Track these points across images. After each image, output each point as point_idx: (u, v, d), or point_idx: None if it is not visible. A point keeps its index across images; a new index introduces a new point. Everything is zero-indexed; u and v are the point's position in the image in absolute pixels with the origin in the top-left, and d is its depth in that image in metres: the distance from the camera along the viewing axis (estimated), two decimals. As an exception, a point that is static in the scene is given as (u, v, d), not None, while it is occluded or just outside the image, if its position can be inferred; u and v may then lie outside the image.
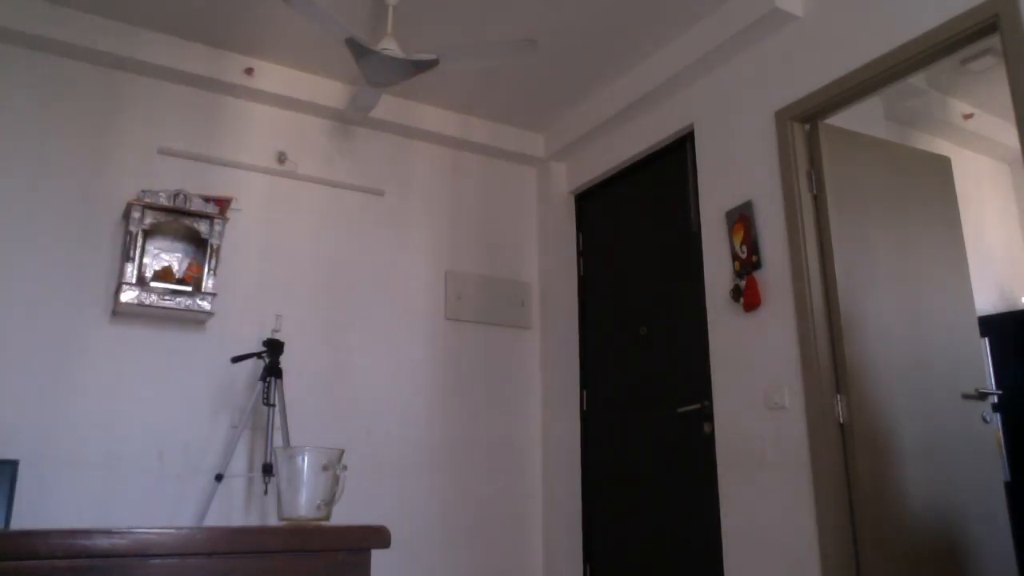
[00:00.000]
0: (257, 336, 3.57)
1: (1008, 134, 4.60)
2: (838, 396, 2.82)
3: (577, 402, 4.19)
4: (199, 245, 3.44)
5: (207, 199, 3.44)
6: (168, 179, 3.53)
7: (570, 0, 3.28)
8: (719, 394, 3.25)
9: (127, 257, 3.22)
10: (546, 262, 4.38)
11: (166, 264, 3.37)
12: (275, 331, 3.50)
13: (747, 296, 3.13)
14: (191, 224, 3.37)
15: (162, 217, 3.31)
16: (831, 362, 2.87)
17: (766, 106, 3.21)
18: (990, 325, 4.13)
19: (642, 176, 4.02)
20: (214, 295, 3.35)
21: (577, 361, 4.25)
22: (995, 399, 3.94)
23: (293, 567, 1.21)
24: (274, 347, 3.34)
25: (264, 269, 3.66)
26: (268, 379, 3.29)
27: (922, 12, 2.67)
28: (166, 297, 3.23)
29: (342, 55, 3.68)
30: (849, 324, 2.87)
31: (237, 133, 3.75)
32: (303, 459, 1.37)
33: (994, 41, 3.19)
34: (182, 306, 3.26)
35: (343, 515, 3.56)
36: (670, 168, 3.82)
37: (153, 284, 3.26)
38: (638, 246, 3.96)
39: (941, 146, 4.49)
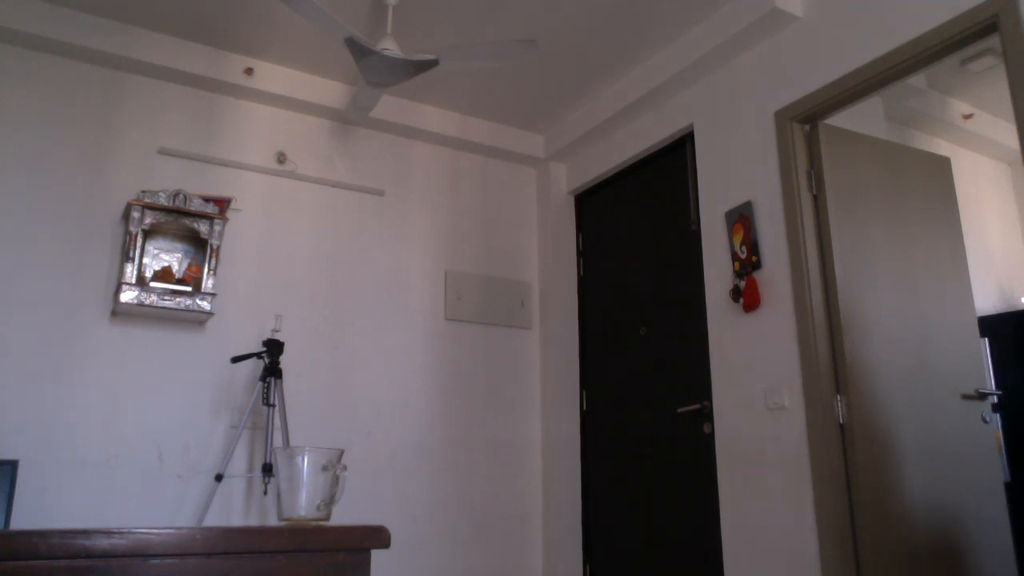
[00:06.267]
0: (257, 336, 3.57)
1: (1008, 134, 4.60)
2: (838, 396, 2.83)
3: (577, 402, 4.19)
4: (199, 245, 3.44)
5: (207, 199, 3.44)
6: (168, 179, 3.53)
7: (570, 0, 3.28)
8: (719, 394, 3.25)
9: (127, 257, 3.22)
10: (546, 262, 4.38)
11: (166, 264, 3.37)
12: (275, 331, 3.50)
13: (747, 296, 3.13)
14: (191, 224, 3.37)
15: (162, 217, 3.31)
16: (831, 362, 2.87)
17: (766, 106, 3.21)
18: (990, 325, 4.13)
19: (642, 176, 4.02)
20: (214, 295, 3.35)
21: (577, 361, 4.26)
22: (995, 399, 3.94)
23: (293, 567, 1.21)
24: (274, 347, 3.34)
25: (264, 269, 3.66)
26: (268, 379, 3.29)
27: (922, 12, 2.67)
28: (166, 297, 3.23)
29: (342, 55, 3.68)
30: (849, 324, 2.87)
31: (237, 133, 3.75)
32: (303, 459, 1.37)
33: (994, 41, 3.19)
34: (182, 306, 3.26)
35: (343, 515, 3.56)
36: (670, 168, 3.82)
37: (153, 284, 3.26)
38: (638, 246, 3.96)
39: (941, 146, 4.49)
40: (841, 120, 3.27)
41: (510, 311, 4.27)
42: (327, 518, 1.38)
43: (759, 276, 3.13)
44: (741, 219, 3.23)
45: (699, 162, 3.53)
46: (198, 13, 3.37)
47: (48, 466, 3.05)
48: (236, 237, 3.62)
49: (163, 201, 3.32)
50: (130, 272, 3.20)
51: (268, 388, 3.29)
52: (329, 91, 3.88)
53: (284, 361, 3.58)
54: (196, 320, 3.42)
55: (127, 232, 3.27)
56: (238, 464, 3.41)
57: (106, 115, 3.47)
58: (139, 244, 3.26)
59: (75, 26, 3.32)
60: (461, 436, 3.96)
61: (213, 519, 3.30)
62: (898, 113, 4.16)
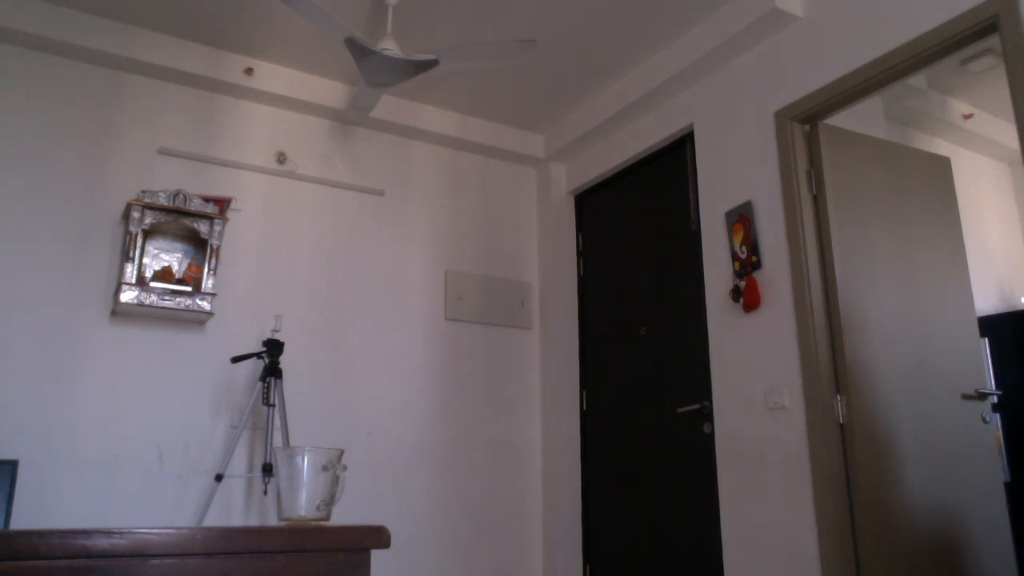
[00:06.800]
0: (257, 336, 3.57)
1: (1008, 134, 4.60)
2: (838, 396, 2.82)
3: (577, 402, 4.19)
4: (199, 245, 3.44)
5: (207, 199, 3.44)
6: (168, 179, 3.53)
7: (570, 0, 3.28)
8: (719, 394, 3.25)
9: (127, 257, 3.22)
10: (546, 262, 4.38)
11: (166, 264, 3.37)
12: (275, 331, 3.50)
13: (747, 296, 3.13)
14: (191, 224, 3.37)
15: (162, 217, 3.31)
16: (831, 362, 2.87)
17: (766, 106, 3.21)
18: (990, 325, 4.13)
19: (642, 176, 4.02)
20: (214, 295, 3.35)
21: (577, 361, 4.25)
22: (995, 399, 3.94)
23: (293, 567, 1.21)
24: (274, 347, 3.34)
25: (264, 269, 3.66)
26: (268, 379, 3.29)
27: (922, 12, 2.67)
28: (166, 297, 3.23)
29: (342, 55, 3.68)
30: (849, 324, 2.87)
31: (237, 133, 3.75)
32: (303, 459, 1.37)
33: (994, 41, 3.19)
34: (182, 306, 3.26)
35: (343, 515, 3.56)
36: (670, 168, 3.82)
37: (153, 284, 3.26)
38: (638, 246, 3.96)
39: (941, 146, 4.49)
40: (841, 120, 3.27)
41: (510, 311, 4.27)
42: (327, 518, 1.38)
43: (759, 276, 3.13)
44: (741, 219, 3.23)
45: (699, 162, 3.53)
46: (198, 13, 3.37)
47: (48, 466, 3.05)
48: (236, 237, 3.62)
49: (163, 201, 3.32)
50: (130, 272, 3.20)
51: (268, 388, 3.29)
52: (329, 91, 3.88)
53: (284, 361, 3.58)
54: (196, 320, 3.42)
55: (127, 232, 3.27)
56: (238, 464, 3.41)
57: (106, 115, 3.47)
58: (139, 244, 3.26)
59: (75, 26, 3.32)
60: (461, 436, 3.96)
61: (213, 519, 3.30)
62: (898, 113, 4.16)
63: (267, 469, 3.24)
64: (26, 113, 3.30)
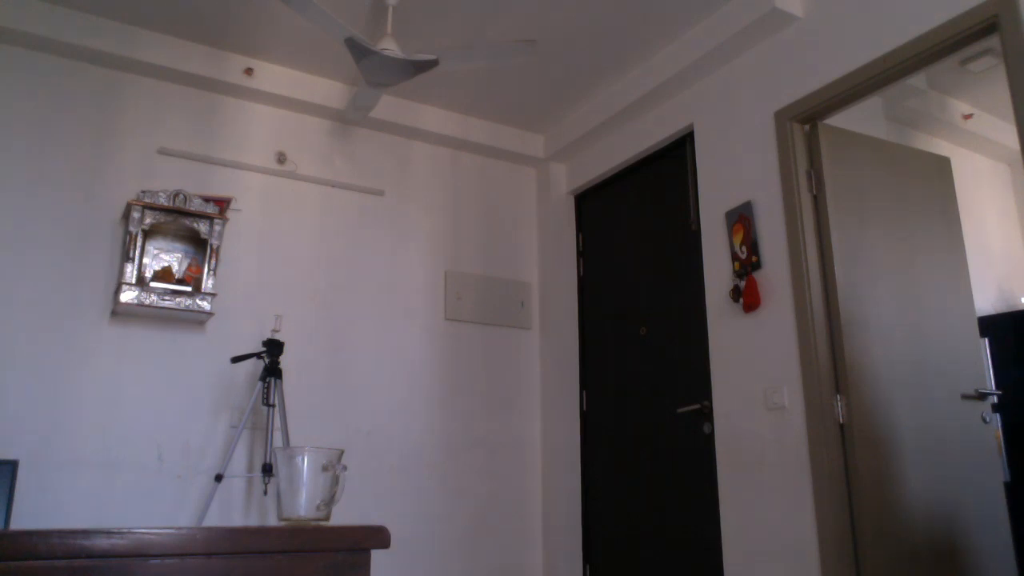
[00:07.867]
0: (257, 336, 3.57)
1: (1008, 134, 4.60)
2: (838, 396, 2.83)
3: (577, 402, 4.19)
4: (199, 245, 3.44)
5: (207, 199, 3.44)
6: (168, 179, 3.53)
7: (570, 0, 3.28)
8: (719, 394, 3.25)
9: (127, 257, 3.22)
10: (546, 262, 4.38)
11: (166, 264, 3.37)
12: (275, 331, 3.50)
13: (747, 296, 3.13)
14: (191, 224, 3.37)
15: (162, 217, 3.31)
16: (831, 362, 2.87)
17: (766, 106, 3.21)
18: (990, 325, 4.13)
19: (642, 176, 4.02)
20: (214, 295, 3.35)
21: (577, 361, 4.25)
22: (995, 399, 3.94)
23: (293, 567, 1.21)
24: (274, 347, 3.34)
25: (264, 269, 3.66)
26: (268, 379, 3.29)
27: (922, 12, 2.67)
28: (166, 297, 3.23)
29: (342, 55, 3.68)
30: (849, 324, 2.87)
31: (237, 133, 3.75)
32: (303, 459, 1.37)
33: (994, 41, 3.19)
34: (182, 306, 3.26)
35: (343, 515, 3.56)
36: (670, 168, 3.82)
37: (153, 284, 3.26)
38: (638, 246, 3.96)
39: (941, 146, 4.49)
40: (841, 120, 3.27)
41: (510, 311, 4.27)
42: (327, 518, 1.38)
43: (759, 276, 3.13)
44: (741, 219, 3.23)
45: (699, 162, 3.53)
46: (198, 13, 3.36)
47: (48, 466, 3.05)
48: (236, 237, 3.62)
49: (163, 201, 3.32)
50: (130, 272, 3.20)
51: (268, 388, 3.29)
52: (329, 91, 3.88)
53: (284, 361, 3.58)
54: (196, 320, 3.42)
55: (127, 232, 3.27)
56: (238, 464, 3.41)
57: (106, 115, 3.47)
58: (139, 244, 3.26)
59: (75, 26, 3.32)
60: (461, 436, 3.96)
61: (213, 519, 3.30)
62: (898, 113, 4.16)
63: (267, 469, 3.24)
64: (26, 113, 3.30)
